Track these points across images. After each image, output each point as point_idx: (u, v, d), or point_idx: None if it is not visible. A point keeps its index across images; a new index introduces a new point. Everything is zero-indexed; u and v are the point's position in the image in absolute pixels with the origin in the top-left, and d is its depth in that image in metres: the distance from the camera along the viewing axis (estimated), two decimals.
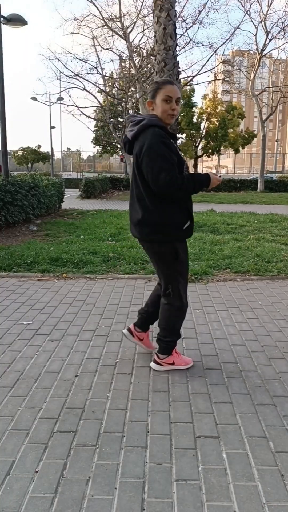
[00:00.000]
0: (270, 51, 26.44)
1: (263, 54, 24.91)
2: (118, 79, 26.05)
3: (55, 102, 26.58)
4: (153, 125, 2.53)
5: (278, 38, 24.57)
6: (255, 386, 2.65)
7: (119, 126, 31.91)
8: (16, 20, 10.56)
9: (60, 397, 2.50)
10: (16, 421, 2.25)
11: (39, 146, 53.10)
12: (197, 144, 40.11)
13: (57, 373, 2.80)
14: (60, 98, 28.05)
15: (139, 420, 2.27)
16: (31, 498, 1.72)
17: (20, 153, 51.33)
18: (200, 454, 2.00)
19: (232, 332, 3.55)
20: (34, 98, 31.35)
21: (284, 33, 23.89)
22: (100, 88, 22.63)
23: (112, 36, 21.54)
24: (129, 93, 22.22)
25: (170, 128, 2.77)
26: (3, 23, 10.30)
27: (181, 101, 33.45)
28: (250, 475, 1.86)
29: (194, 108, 38.21)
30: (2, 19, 10.04)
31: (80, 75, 20.26)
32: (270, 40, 24.22)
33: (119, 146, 26.20)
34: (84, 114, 20.40)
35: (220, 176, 2.68)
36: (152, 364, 2.87)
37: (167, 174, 2.44)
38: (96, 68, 21.52)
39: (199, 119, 39.14)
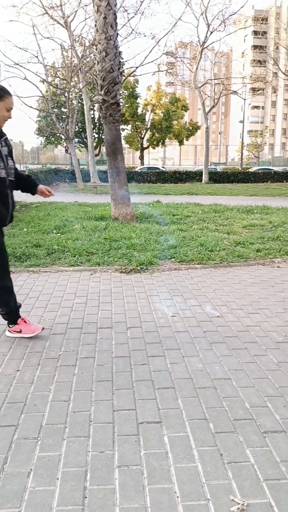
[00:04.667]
0: (211, 43, 26.92)
1: (204, 46, 25.30)
2: (60, 69, 25.54)
3: None
4: None
5: (219, 31, 25.05)
6: (196, 370, 2.71)
7: (63, 116, 31.31)
8: None
9: (1, 392, 2.44)
10: None
11: None
12: (142, 136, 40.21)
13: None
14: None
15: (82, 411, 2.26)
16: None
17: None
18: (143, 440, 2.02)
19: (176, 319, 3.61)
20: None
21: (225, 26, 24.42)
22: (41, 78, 22.11)
23: (53, 24, 21.09)
24: (72, 83, 21.84)
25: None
26: None
27: (125, 92, 33.05)
28: (191, 457, 1.91)
29: (138, 99, 38.21)
30: None
31: (21, 64, 19.69)
32: (212, 32, 24.66)
33: (63, 137, 25.74)
34: (26, 104, 19.87)
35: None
36: (7, 332, 3.25)
37: None
38: (37, 57, 21.01)
39: (144, 111, 39.24)
